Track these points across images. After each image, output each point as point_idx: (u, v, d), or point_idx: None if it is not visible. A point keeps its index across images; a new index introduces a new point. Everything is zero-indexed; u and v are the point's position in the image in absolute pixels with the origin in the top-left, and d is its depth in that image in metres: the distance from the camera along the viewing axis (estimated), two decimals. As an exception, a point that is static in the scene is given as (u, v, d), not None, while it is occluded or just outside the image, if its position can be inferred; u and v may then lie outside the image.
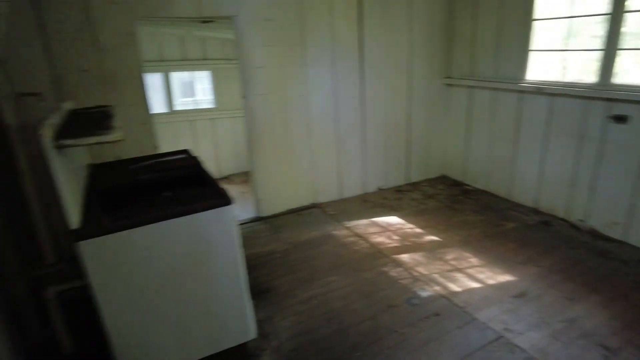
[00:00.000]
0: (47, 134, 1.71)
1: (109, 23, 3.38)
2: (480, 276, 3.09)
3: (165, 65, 5.55)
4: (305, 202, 4.64)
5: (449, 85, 5.11)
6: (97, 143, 1.74)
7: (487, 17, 4.49)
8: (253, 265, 3.37)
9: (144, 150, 3.53)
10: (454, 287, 2.96)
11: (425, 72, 5.00)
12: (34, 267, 2.41)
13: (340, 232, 3.96)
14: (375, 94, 4.73)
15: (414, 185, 5.22)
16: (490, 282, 3.01)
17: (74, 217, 1.81)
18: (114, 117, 2.19)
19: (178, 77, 6.14)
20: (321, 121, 4.51)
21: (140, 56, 3.59)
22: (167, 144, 4.25)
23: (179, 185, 2.42)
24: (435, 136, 5.32)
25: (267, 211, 4.42)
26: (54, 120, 1.94)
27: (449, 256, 3.42)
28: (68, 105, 2.53)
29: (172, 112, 5.72)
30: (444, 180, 5.36)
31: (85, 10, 3.27)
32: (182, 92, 6.78)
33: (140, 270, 1.88)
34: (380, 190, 5.08)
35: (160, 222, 1.88)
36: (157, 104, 5.31)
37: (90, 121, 2.08)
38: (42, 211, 2.75)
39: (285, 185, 4.47)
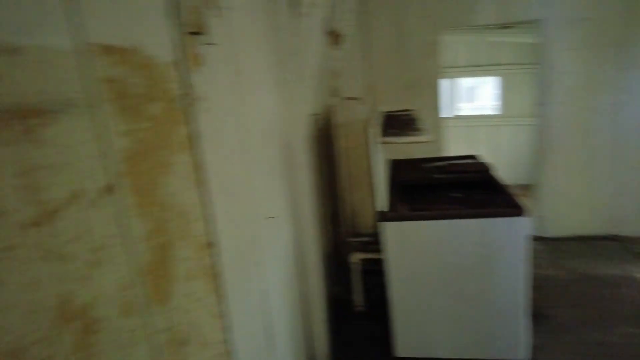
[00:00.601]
0: (373, 131, 2.09)
1: (415, 35, 3.77)
2: None
3: (453, 71, 5.73)
4: (600, 230, 3.90)
5: None
6: (410, 142, 2.01)
7: None
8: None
9: (431, 151, 3.78)
10: None
11: None
12: (342, 236, 3.00)
13: (649, 276, 3.16)
14: None
15: None
16: None
17: (380, 201, 2.15)
18: (420, 120, 2.45)
19: (462, 83, 6.23)
20: (637, 137, 3.67)
21: (439, 64, 3.84)
22: (447, 148, 4.42)
23: (468, 188, 2.50)
24: None
25: (550, 232, 3.97)
26: (376, 121, 2.34)
27: None
28: (381, 108, 2.99)
29: (455, 117, 5.87)
30: None
31: (398, 26, 3.76)
32: (464, 98, 6.84)
33: (428, 259, 2.06)
34: None
35: (451, 220, 2.00)
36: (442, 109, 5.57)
37: (401, 123, 2.40)
38: (347, 193, 3.38)
39: (576, 207, 3.89)
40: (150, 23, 0.96)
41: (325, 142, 3.13)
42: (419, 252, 2.05)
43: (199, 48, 1.13)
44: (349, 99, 3.64)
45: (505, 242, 1.97)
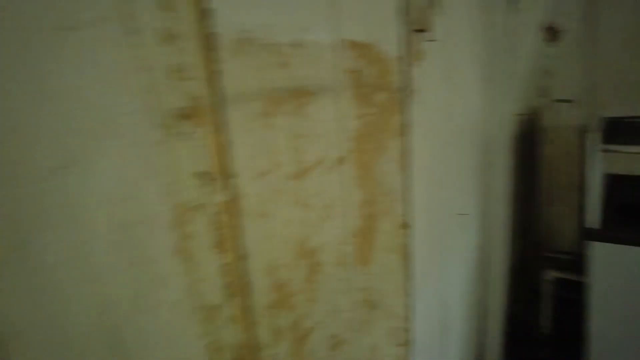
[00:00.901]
0: (594, 137, 1.85)
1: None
2: None
3: None
4: None
5: None
6: (642, 152, 1.70)
7: None
8: None
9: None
10: None
11: None
12: (532, 251, 2.74)
13: None
14: None
15: None
16: None
17: (590, 216, 1.89)
18: (658, 129, 2.04)
19: None
20: None
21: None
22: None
23: None
24: None
25: None
26: (596, 127, 2.05)
27: None
28: (603, 113, 2.59)
29: None
30: None
31: (637, 18, 3.13)
32: None
33: (646, 295, 1.73)
34: None
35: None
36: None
37: (631, 130, 2.04)
38: (544, 204, 3.04)
39: None
40: (384, 22, 1.10)
41: (528, 146, 2.88)
42: (635, 284, 1.73)
43: (421, 44, 1.23)
44: (561, 100, 3.24)
45: None
